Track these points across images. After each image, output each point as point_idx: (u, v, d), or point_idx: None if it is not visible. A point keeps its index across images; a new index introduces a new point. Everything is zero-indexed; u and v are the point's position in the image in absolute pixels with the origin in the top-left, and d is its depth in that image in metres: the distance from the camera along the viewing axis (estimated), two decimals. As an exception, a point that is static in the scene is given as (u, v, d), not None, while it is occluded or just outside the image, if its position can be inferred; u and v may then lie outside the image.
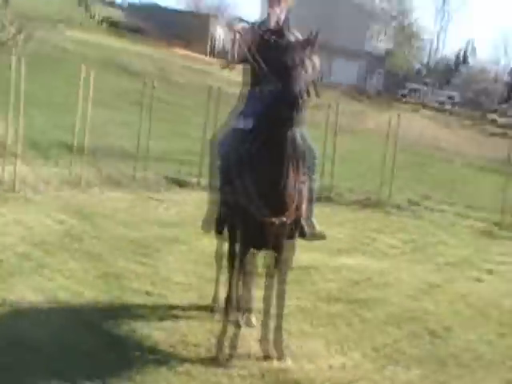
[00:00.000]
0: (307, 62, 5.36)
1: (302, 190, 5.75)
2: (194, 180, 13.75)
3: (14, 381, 5.10)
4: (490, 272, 9.76)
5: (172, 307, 6.86)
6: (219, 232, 6.63)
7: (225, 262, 6.69)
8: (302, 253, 6.94)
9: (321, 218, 6.46)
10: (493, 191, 16.93)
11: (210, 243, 7.97)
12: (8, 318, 6.30)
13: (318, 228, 6.20)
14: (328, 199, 13.63)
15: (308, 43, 5.45)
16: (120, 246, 8.74)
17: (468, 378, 6.08)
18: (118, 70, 34.18)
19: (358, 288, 8.08)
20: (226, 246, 6.65)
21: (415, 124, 36.65)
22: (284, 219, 5.60)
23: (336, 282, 8.19)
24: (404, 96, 58.41)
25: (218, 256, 6.84)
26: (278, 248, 5.87)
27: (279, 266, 5.96)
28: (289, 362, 5.82)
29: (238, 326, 6.08)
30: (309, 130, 5.99)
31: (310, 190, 5.99)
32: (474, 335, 7.03)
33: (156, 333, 6.18)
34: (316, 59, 5.60)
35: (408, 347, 6.53)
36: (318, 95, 5.51)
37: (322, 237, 6.28)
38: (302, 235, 6.07)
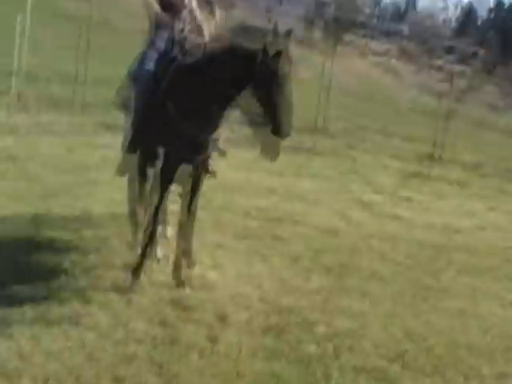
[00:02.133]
0: None
1: None
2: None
3: None
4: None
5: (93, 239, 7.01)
6: (133, 151, 6.43)
7: (140, 220, 6.66)
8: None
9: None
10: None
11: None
12: None
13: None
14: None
15: None
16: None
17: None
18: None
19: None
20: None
21: (359, 69, 36.88)
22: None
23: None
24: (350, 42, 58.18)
25: (132, 213, 6.81)
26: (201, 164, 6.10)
27: (197, 187, 6.22)
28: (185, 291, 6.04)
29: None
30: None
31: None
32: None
33: (70, 260, 6.36)
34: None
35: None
36: None
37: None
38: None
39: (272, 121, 5.27)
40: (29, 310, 5.28)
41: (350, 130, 17.75)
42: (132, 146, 6.20)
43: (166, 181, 6.02)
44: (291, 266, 7.08)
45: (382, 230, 8.98)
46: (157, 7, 6.38)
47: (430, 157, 15.85)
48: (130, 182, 6.69)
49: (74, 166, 9.77)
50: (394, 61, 51.19)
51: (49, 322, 5.17)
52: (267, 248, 7.49)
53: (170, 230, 6.89)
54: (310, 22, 52.75)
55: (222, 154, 6.41)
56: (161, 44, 6.31)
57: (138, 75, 6.30)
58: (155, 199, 6.15)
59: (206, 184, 6.51)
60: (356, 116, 20.53)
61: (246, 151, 9.55)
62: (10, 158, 9.73)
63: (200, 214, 6.80)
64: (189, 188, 6.21)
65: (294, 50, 5.59)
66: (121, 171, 6.54)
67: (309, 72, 20.94)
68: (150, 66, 6.24)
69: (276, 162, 5.70)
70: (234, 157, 7.48)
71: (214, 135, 5.96)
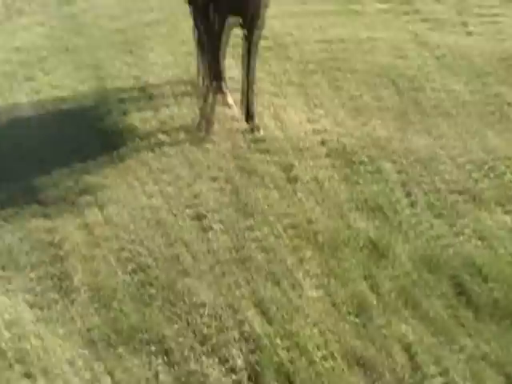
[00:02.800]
0: None
1: None
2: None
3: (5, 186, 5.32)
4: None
5: (158, 89, 6.82)
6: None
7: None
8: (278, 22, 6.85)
9: None
10: None
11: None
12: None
13: None
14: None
15: None
16: (100, 39, 8.66)
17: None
18: None
19: (332, 51, 7.96)
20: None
21: None
22: None
23: (312, 47, 8.08)
24: None
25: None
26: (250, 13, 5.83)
27: (252, 29, 5.94)
28: (257, 124, 5.93)
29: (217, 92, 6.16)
30: None
31: None
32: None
33: (138, 116, 6.27)
34: None
35: (389, 101, 6.60)
36: None
37: None
38: None
39: None
40: (108, 174, 5.32)
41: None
42: None
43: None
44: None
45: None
46: None
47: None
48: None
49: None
50: None
51: (131, 185, 5.20)
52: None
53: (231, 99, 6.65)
54: None
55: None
56: None
57: None
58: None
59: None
60: None
61: None
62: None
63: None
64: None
65: None
66: None
67: None
68: None
69: None
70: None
71: None
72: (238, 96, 6.44)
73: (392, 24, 9.27)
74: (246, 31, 5.96)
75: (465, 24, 9.35)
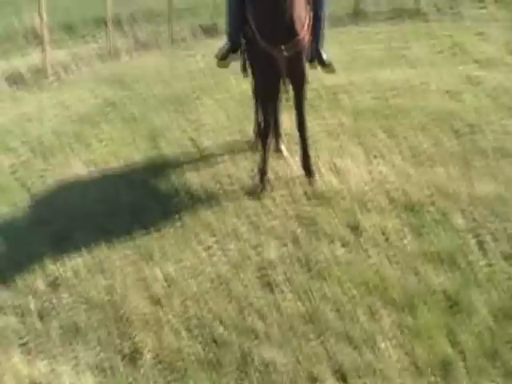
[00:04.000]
0: None
1: (310, 14, 5.69)
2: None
3: (60, 247, 5.36)
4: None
5: (213, 150, 6.94)
6: (244, 70, 6.57)
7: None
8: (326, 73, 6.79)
9: (346, 37, 6.30)
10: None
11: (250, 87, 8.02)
12: (51, 191, 6.58)
13: (325, 56, 6.10)
14: (354, 17, 13.12)
15: None
16: (155, 104, 8.78)
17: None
18: None
19: (386, 100, 7.90)
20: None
21: None
22: (293, 45, 5.58)
23: (363, 97, 8.04)
24: None
25: (255, 90, 6.69)
26: (293, 76, 5.87)
27: (297, 92, 5.97)
28: (317, 178, 5.91)
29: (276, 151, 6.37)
30: None
31: (319, 19, 5.87)
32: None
33: (196, 177, 6.31)
34: None
35: (449, 146, 6.47)
36: None
37: (331, 69, 6.18)
38: (320, 62, 6.10)
39: None
40: (168, 237, 5.31)
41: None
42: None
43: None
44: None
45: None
46: None
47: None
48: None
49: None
50: None
51: (188, 240, 5.19)
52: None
53: (284, 148, 6.62)
54: None
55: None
56: None
57: None
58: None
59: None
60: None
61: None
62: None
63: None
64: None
65: None
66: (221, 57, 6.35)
67: None
68: None
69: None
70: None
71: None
72: (294, 148, 6.43)
73: (443, 67, 9.21)
74: (296, 86, 5.96)
75: (517, 63, 9.23)
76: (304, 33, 5.66)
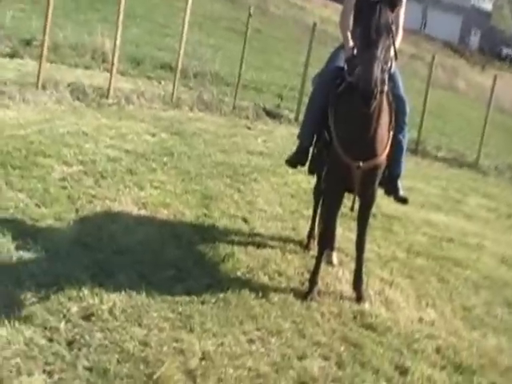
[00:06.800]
0: (389, 27, 5.09)
1: (391, 138, 5.61)
2: (292, 116, 13.59)
3: (99, 278, 5.15)
4: None
5: (264, 236, 6.77)
6: (311, 172, 6.56)
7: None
8: (387, 201, 6.74)
9: (406, 170, 6.25)
10: None
11: (306, 179, 7.94)
12: (99, 218, 6.37)
13: (402, 193, 6.02)
14: (413, 152, 13.33)
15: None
16: (208, 166, 8.69)
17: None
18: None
19: (441, 246, 7.80)
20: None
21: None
22: (371, 164, 5.49)
23: (418, 236, 7.95)
24: (506, 57, 55.98)
25: (316, 192, 6.70)
26: (363, 194, 5.75)
27: (363, 210, 5.87)
28: (366, 306, 5.72)
29: (327, 262, 6.21)
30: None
31: (399, 143, 5.80)
32: None
33: (244, 257, 6.13)
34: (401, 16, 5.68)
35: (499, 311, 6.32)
36: (396, 58, 5.41)
37: (404, 201, 6.10)
38: (396, 198, 6.04)
39: None
40: (209, 310, 5.09)
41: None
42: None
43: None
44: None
45: None
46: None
47: None
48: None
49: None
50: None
51: (230, 322, 4.98)
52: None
53: (336, 259, 6.47)
54: (453, 50, 51.01)
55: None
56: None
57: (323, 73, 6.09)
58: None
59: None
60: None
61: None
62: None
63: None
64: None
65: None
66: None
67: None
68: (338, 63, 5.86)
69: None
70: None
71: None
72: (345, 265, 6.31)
73: (498, 228, 9.21)
74: (364, 202, 5.85)
75: None
76: (384, 152, 5.59)
